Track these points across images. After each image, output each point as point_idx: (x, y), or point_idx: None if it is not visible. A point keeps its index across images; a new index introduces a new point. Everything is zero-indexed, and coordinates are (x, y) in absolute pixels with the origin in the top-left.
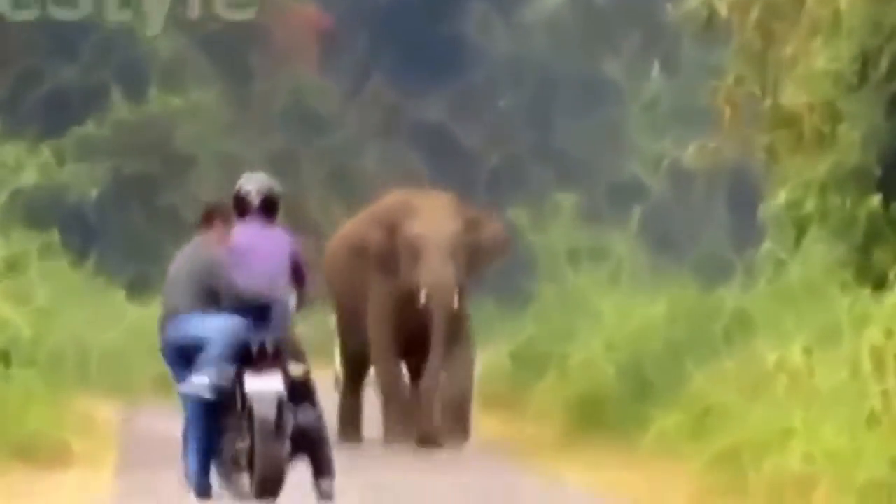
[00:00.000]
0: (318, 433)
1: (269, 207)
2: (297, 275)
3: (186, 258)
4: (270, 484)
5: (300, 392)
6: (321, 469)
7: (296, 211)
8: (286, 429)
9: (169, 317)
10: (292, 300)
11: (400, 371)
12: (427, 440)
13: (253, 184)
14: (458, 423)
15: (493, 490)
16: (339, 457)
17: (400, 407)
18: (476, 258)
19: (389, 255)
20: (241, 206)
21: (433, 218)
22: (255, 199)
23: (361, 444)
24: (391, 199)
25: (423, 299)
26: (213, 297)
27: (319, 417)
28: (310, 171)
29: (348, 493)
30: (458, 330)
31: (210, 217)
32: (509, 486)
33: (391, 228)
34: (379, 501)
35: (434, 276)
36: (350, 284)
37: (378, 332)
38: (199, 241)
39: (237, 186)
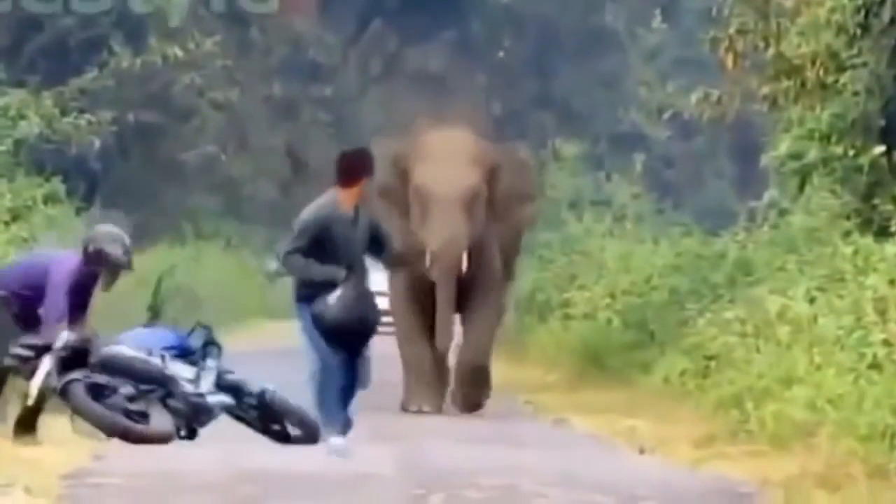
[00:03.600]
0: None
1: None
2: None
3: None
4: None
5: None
6: None
7: (296, 160)
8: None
9: None
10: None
11: (416, 331)
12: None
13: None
14: (470, 390)
15: (500, 433)
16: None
17: (412, 370)
18: (501, 207)
19: (401, 198)
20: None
21: (447, 165)
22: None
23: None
24: (413, 134)
25: (428, 261)
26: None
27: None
28: (309, 120)
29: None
30: (480, 289)
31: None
32: (516, 430)
33: (403, 171)
34: (383, 443)
35: (440, 237)
36: None
37: (393, 288)
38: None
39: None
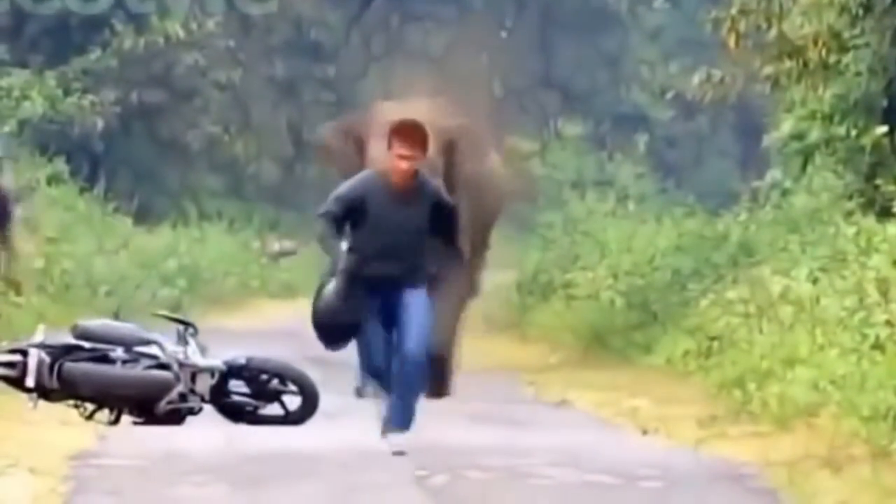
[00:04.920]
0: None
1: None
2: None
3: None
4: None
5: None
6: None
7: (298, 139)
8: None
9: None
10: None
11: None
12: None
13: None
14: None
15: (502, 414)
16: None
17: None
18: (462, 182)
19: (353, 170)
20: None
21: None
22: None
23: None
24: (372, 109)
25: None
26: None
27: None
28: (312, 99)
29: (355, 413)
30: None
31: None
32: (518, 410)
33: (359, 143)
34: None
35: None
36: None
37: None
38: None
39: None
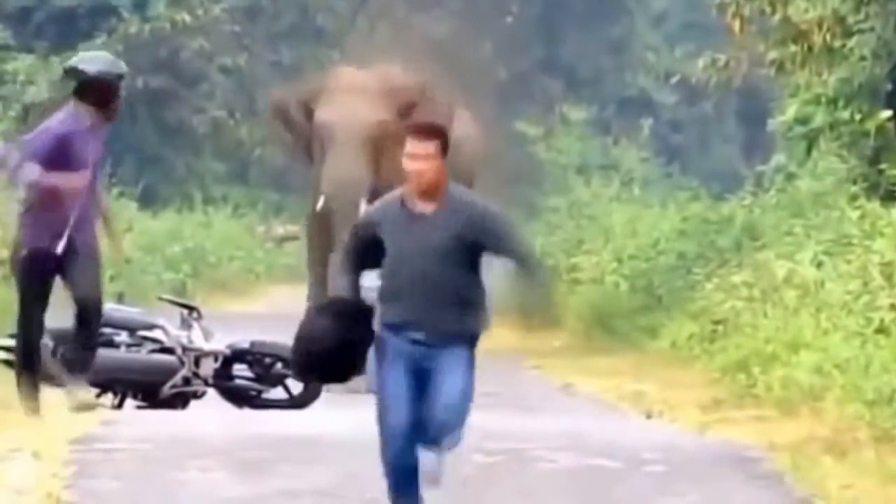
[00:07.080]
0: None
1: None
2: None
3: None
4: None
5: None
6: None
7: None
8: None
9: None
10: None
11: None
12: None
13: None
14: None
15: (507, 397)
16: None
17: None
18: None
19: (305, 139)
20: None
21: (352, 101)
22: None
23: None
24: (326, 75)
25: (320, 203)
26: None
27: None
28: None
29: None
30: None
31: None
32: (523, 394)
33: (308, 110)
34: None
35: (334, 177)
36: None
37: (309, 242)
38: None
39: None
